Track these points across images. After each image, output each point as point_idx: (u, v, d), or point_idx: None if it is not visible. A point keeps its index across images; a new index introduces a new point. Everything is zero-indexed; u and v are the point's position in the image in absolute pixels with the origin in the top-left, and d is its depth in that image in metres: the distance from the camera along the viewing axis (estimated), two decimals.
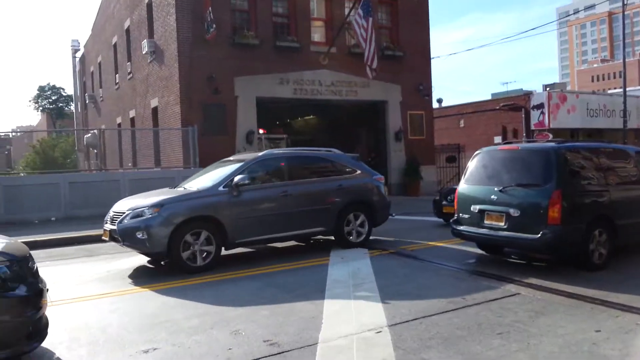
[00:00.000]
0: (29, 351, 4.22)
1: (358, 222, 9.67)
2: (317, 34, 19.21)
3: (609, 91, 50.03)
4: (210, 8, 15.79)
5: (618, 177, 8.21)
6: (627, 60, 22.80)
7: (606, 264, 7.47)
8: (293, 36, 18.19)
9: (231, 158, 9.99)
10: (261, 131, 19.99)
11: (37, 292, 4.27)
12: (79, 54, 35.18)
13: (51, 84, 61.94)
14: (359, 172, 9.90)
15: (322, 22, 19.28)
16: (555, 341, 4.69)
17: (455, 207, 8.54)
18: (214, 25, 15.81)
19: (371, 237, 9.95)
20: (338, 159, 9.95)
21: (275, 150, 10.07)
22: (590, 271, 7.28)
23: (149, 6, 19.03)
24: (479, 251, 8.90)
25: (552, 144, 7.99)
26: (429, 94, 21.44)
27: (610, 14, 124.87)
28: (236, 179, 8.42)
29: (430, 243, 10.04)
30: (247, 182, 8.52)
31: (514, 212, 7.42)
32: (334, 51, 18.62)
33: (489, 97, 40.53)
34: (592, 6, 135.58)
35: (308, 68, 18.35)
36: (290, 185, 9.01)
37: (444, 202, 12.15)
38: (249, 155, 9.55)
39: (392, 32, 20.66)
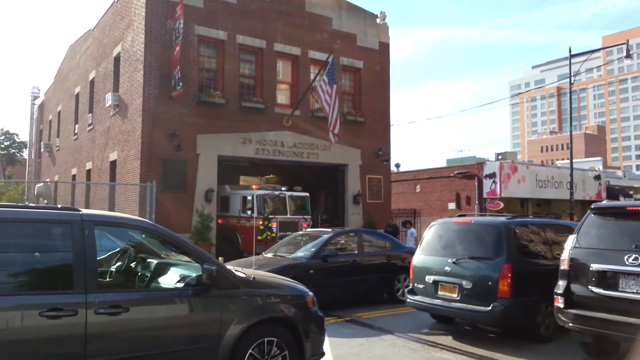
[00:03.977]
0: None
1: None
2: (282, 96, 19.69)
3: (557, 162, 52.65)
4: (178, 67, 16.06)
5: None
6: (573, 133, 24.22)
7: (553, 335, 7.70)
8: (258, 97, 18.58)
9: None
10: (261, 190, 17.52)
11: None
12: (38, 101, 34.76)
13: (4, 129, 60.33)
14: None
15: (288, 85, 19.83)
16: None
17: (411, 277, 8.71)
18: (181, 84, 16.04)
19: None
20: None
21: None
22: (538, 343, 7.49)
23: (117, 60, 19.18)
24: (432, 320, 9.02)
25: (503, 218, 8.36)
26: (388, 159, 22.05)
27: (559, 88, 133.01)
28: None
29: (384, 311, 10.11)
30: None
31: (466, 284, 7.64)
32: (298, 114, 19.08)
33: (443, 163, 41.96)
34: (541, 81, 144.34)
35: (271, 129, 18.68)
36: None
37: None
38: None
39: (354, 98, 21.40)
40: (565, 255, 6.69)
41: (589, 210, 6.92)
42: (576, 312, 6.33)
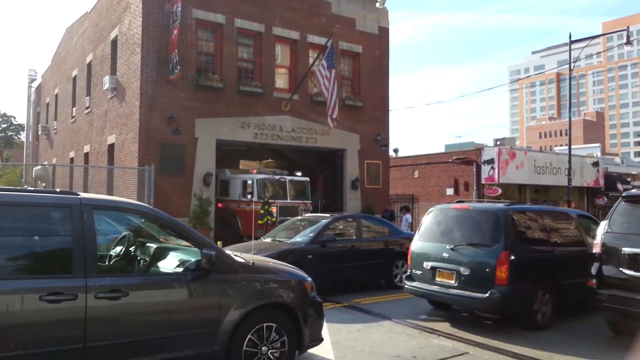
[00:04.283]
0: None
1: None
2: (281, 81, 19.57)
3: (556, 148, 52.59)
4: (176, 50, 15.92)
5: (561, 239, 8.63)
6: (572, 119, 24.19)
7: (550, 323, 7.74)
8: (257, 81, 18.46)
9: None
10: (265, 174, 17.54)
11: None
12: (35, 84, 34.48)
13: (1, 112, 60.16)
14: None
15: (286, 70, 19.69)
16: None
17: (409, 263, 8.73)
18: (179, 67, 15.92)
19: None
20: None
21: None
22: (535, 330, 7.53)
23: (114, 43, 19.00)
24: (429, 306, 9.06)
25: (501, 205, 8.35)
26: (386, 144, 22.01)
27: (558, 74, 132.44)
28: None
29: (382, 297, 10.16)
30: None
31: (464, 270, 7.66)
32: (296, 98, 18.98)
33: (442, 148, 41.93)
34: (541, 66, 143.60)
35: (270, 113, 18.60)
36: None
37: None
38: None
39: (353, 83, 21.28)
40: (597, 240, 7.12)
41: (620, 198, 7.29)
42: (609, 293, 6.76)
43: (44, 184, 19.16)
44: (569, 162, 23.29)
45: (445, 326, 7.87)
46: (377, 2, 21.99)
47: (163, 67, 16.35)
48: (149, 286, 4.78)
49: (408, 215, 19.71)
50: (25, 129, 36.87)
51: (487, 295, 7.32)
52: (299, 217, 13.23)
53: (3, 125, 58.93)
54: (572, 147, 24.71)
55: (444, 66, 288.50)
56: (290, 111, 18.96)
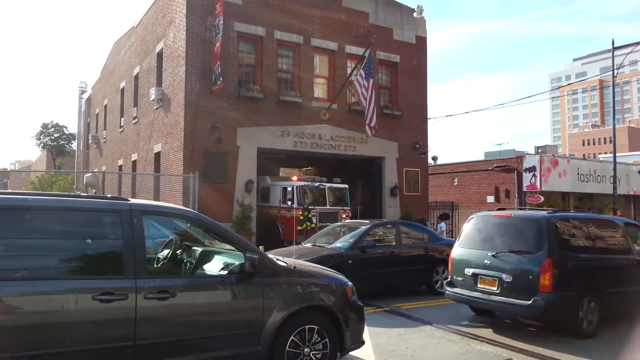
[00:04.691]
0: None
1: None
2: (319, 91, 19.87)
3: (600, 156, 51.14)
4: (219, 62, 16.45)
5: (607, 247, 8.52)
6: (616, 127, 23.61)
7: (595, 332, 7.64)
8: (296, 91, 18.83)
9: None
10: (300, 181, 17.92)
11: None
12: (85, 95, 35.90)
13: (54, 122, 62.86)
14: None
15: (325, 80, 19.99)
16: None
17: (450, 269, 8.79)
18: (221, 79, 16.43)
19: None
20: None
21: None
22: (580, 339, 7.45)
23: (160, 56, 19.72)
24: (471, 312, 9.08)
25: (544, 213, 8.32)
26: (425, 152, 21.99)
27: (601, 81, 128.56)
28: None
29: (422, 303, 10.21)
30: None
31: (506, 277, 7.67)
32: (335, 107, 19.23)
33: (481, 156, 41.37)
34: (583, 74, 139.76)
35: (309, 122, 18.92)
36: None
37: None
38: None
39: (391, 91, 21.41)
40: None
41: None
42: None
43: (94, 190, 19.96)
44: (614, 169, 22.72)
45: (487, 332, 7.88)
46: (414, 12, 22.11)
47: (206, 79, 16.90)
48: (195, 288, 4.94)
49: (442, 224, 19.54)
50: (77, 138, 38.40)
51: (531, 302, 7.30)
52: (339, 223, 13.42)
53: (56, 135, 61.76)
54: (617, 154, 24.08)
55: (481, 74, 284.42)
56: (329, 120, 19.23)
